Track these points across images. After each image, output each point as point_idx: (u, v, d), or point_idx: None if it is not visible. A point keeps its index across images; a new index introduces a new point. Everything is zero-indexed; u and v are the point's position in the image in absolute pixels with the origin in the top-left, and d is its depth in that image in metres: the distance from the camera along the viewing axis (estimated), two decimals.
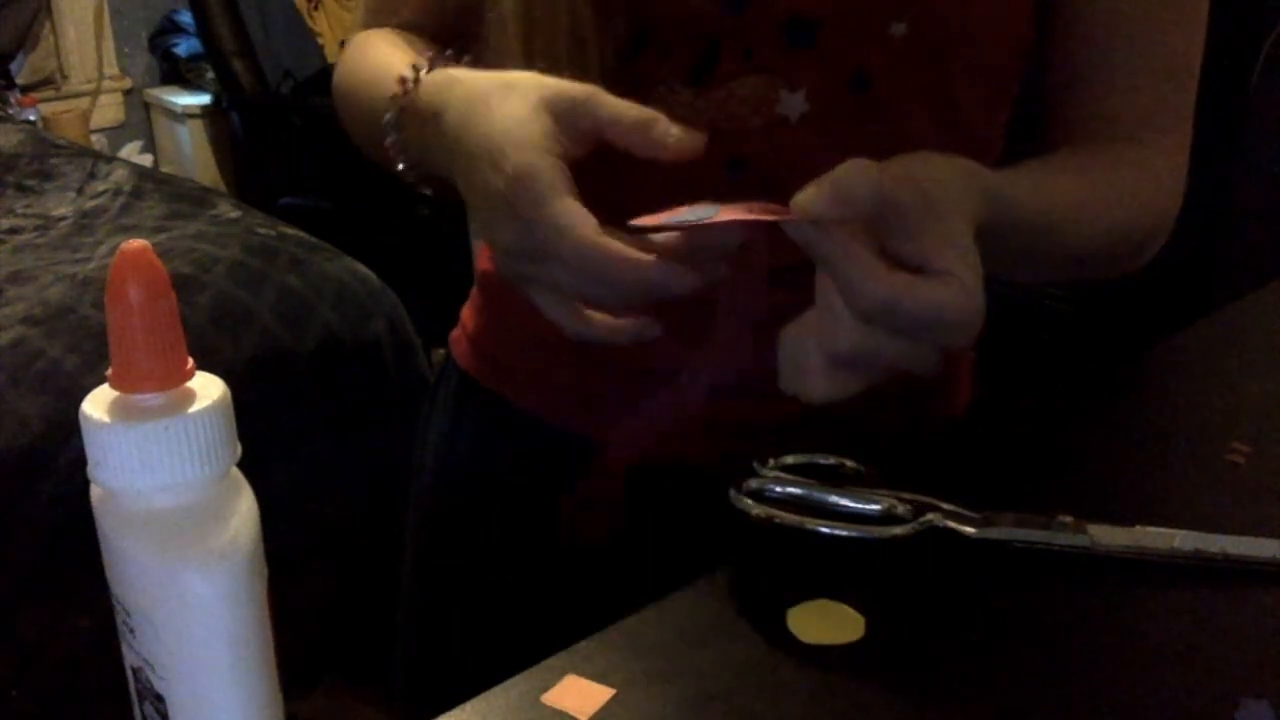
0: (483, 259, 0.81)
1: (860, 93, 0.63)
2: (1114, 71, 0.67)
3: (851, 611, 0.58)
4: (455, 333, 0.83)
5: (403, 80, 0.62)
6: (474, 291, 0.82)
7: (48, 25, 3.33)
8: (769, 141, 0.64)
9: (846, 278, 0.49)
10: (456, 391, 0.82)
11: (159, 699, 0.40)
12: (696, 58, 0.63)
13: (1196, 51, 0.69)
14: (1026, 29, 0.67)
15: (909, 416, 0.75)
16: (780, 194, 0.63)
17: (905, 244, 0.51)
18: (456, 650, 0.82)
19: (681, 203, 0.54)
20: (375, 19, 0.77)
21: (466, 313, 0.82)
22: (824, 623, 0.57)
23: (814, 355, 0.51)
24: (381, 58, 0.70)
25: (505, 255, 0.55)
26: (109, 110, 3.50)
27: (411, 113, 0.61)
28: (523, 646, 0.57)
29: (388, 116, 0.63)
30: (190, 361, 0.39)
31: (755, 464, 0.68)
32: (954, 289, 0.51)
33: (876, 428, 0.68)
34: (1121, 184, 0.67)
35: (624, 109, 0.54)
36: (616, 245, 0.51)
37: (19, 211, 2.10)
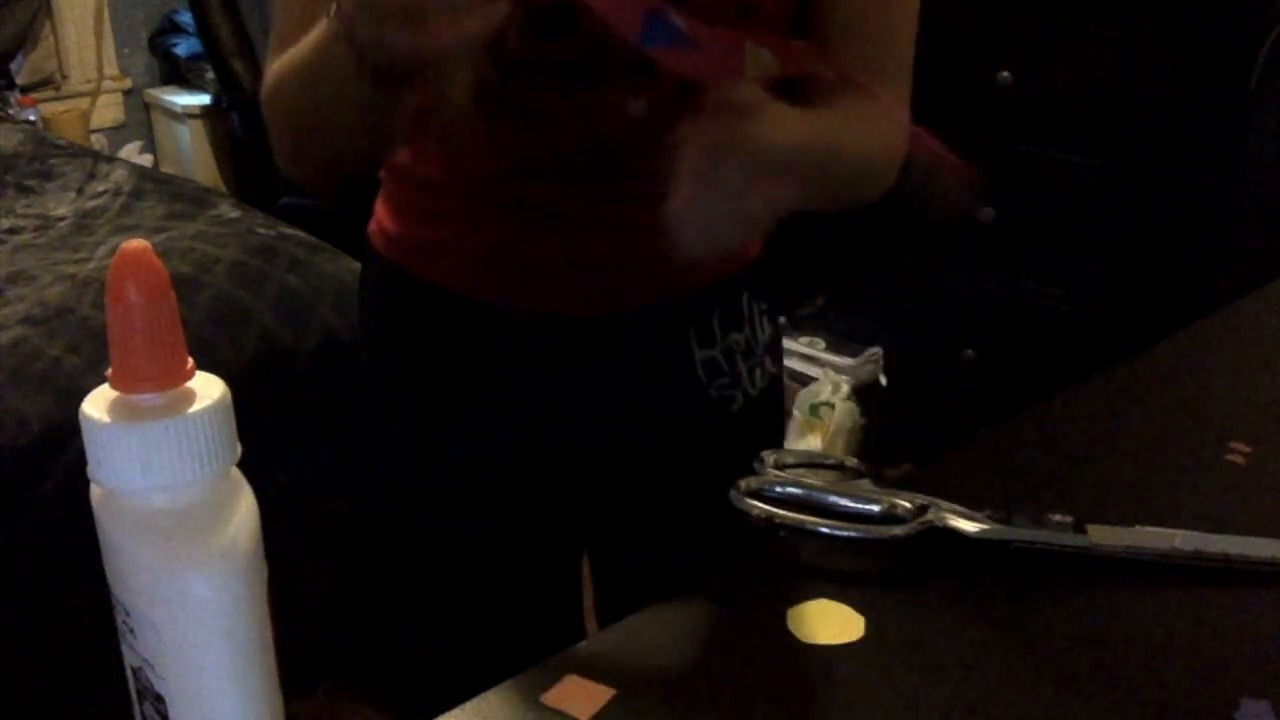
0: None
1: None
2: (844, 34, 0.80)
3: (851, 611, 0.58)
4: (371, 225, 0.93)
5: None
6: (382, 190, 0.92)
7: (48, 25, 3.33)
8: (624, 132, 0.80)
9: None
10: (377, 274, 0.93)
11: (159, 699, 0.40)
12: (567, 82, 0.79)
13: (912, 20, 0.82)
14: None
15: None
16: (632, 166, 0.79)
17: None
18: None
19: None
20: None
21: (379, 206, 0.92)
22: (824, 623, 0.57)
23: None
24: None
25: None
26: (109, 110, 3.50)
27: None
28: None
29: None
30: (190, 361, 0.39)
31: (755, 463, 0.68)
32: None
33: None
34: (871, 124, 0.79)
35: None
36: None
37: (19, 211, 2.09)
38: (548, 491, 0.93)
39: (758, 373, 0.91)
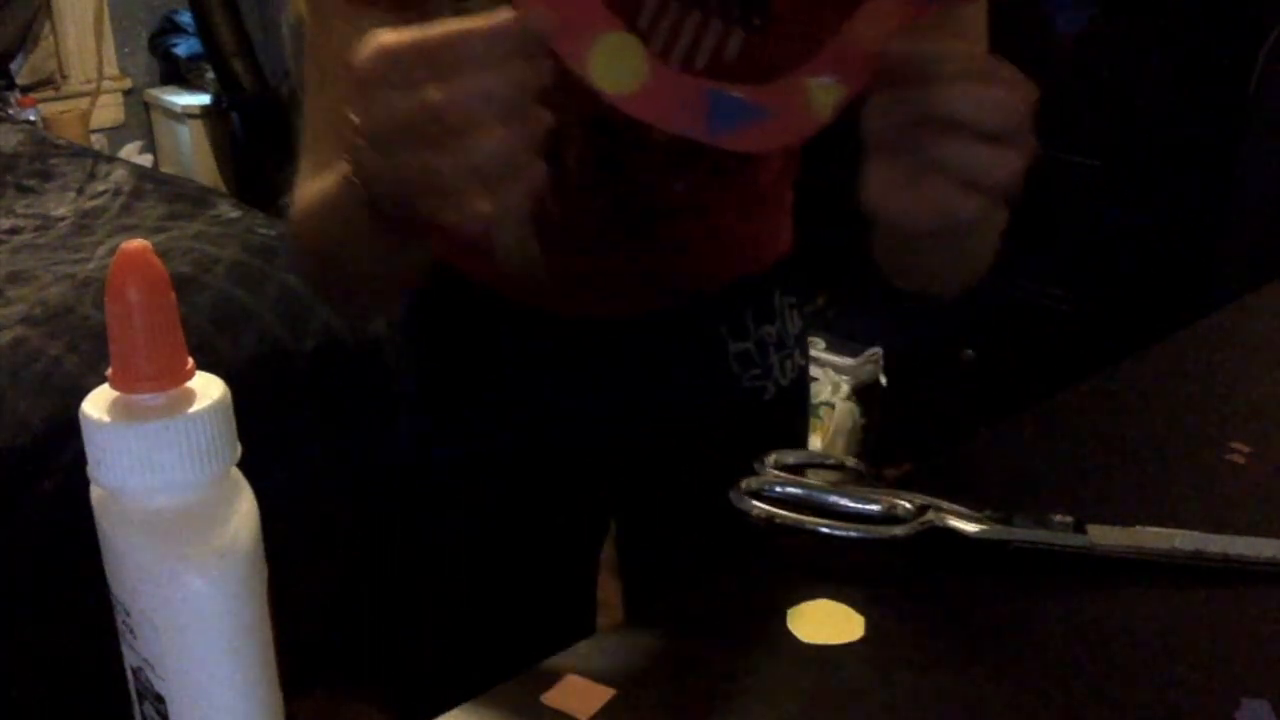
0: None
1: (724, 174, 0.82)
2: None
3: (851, 611, 0.58)
4: None
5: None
6: None
7: (48, 25, 3.33)
8: (670, 200, 0.82)
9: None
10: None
11: (159, 699, 0.40)
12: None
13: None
14: None
15: (746, 259, 0.89)
16: (674, 231, 0.83)
17: None
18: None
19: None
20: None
21: None
22: (824, 623, 0.57)
23: None
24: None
25: (393, 124, 0.52)
26: (109, 110, 3.49)
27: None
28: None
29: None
30: (190, 361, 0.39)
31: (755, 463, 0.68)
32: None
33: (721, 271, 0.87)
34: None
35: None
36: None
37: (19, 211, 2.10)
38: (561, 492, 0.92)
39: (788, 364, 0.92)
